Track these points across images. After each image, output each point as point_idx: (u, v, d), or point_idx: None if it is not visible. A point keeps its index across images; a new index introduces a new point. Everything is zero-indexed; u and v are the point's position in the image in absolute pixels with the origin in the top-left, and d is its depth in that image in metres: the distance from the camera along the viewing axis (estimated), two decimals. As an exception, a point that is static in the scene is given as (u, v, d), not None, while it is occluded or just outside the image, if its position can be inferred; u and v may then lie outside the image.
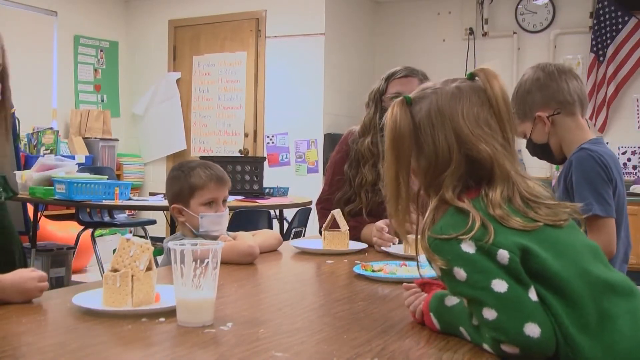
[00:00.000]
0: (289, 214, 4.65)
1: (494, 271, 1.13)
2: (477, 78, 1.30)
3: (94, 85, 7.04)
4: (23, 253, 1.80)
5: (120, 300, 1.33)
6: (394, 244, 2.23)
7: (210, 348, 1.13)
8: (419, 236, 1.27)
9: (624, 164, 5.98)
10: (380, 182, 2.41)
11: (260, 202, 4.25)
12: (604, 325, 1.15)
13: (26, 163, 5.37)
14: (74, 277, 5.15)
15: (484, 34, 6.52)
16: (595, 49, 5.99)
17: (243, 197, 4.32)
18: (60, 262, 4.83)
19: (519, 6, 6.39)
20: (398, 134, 1.26)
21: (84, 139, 6.49)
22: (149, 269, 1.36)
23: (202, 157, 4.27)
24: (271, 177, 5.61)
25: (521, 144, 2.12)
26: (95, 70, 7.04)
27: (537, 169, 5.50)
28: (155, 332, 1.23)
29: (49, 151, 5.88)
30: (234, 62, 6.73)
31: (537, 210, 1.21)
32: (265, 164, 5.11)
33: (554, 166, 4.97)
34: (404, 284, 1.42)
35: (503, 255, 1.14)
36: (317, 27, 6.29)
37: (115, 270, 1.35)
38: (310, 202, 4.44)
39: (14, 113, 2.26)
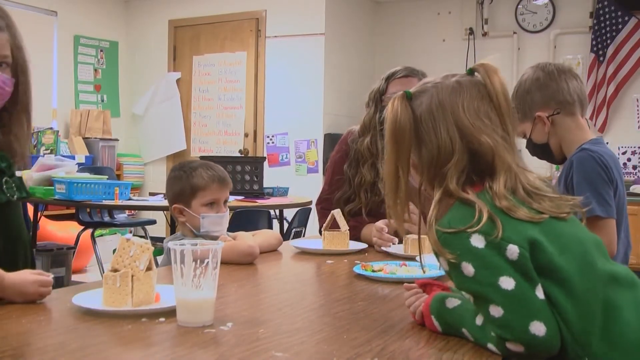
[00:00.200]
0: (289, 214, 4.65)
1: (502, 267, 1.13)
2: (476, 73, 1.30)
3: (94, 85, 7.04)
4: (32, 254, 1.79)
5: (120, 300, 1.33)
6: (393, 244, 2.23)
7: (210, 348, 1.13)
8: (422, 235, 1.27)
9: (624, 164, 5.98)
10: (379, 181, 2.41)
11: (260, 202, 4.25)
12: (610, 316, 1.16)
13: (26, 163, 5.37)
14: (74, 277, 5.15)
15: (484, 34, 6.52)
16: (595, 49, 5.99)
17: (243, 197, 4.32)
18: (60, 262, 4.83)
19: (519, 6, 6.38)
20: (398, 128, 1.26)
21: (84, 139, 6.49)
22: (149, 269, 1.35)
23: (202, 157, 4.27)
24: (271, 177, 5.61)
25: (521, 144, 2.12)
26: (95, 70, 7.04)
27: (537, 169, 5.45)
28: (155, 332, 1.23)
29: (49, 151, 5.87)
30: (234, 62, 6.72)
31: (540, 202, 1.21)
32: (265, 164, 5.11)
33: (554, 166, 4.96)
34: (405, 284, 1.42)
35: (513, 250, 1.14)
36: (317, 27, 6.29)
37: (115, 270, 1.34)
38: (310, 202, 4.44)
39: None
